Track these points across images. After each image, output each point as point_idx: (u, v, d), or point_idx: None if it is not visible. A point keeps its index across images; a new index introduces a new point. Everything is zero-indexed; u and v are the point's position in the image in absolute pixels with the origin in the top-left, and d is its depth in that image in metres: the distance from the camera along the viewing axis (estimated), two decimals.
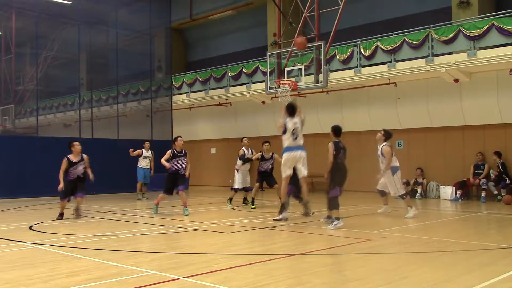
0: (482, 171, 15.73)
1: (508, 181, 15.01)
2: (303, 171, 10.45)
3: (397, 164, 11.17)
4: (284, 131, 10.29)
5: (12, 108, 23.54)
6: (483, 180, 15.33)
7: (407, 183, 16.92)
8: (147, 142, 17.08)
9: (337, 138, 9.73)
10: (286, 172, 10.48)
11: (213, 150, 24.86)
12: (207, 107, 23.50)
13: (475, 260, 6.57)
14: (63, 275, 5.67)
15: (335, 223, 9.42)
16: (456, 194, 15.69)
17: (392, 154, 11.13)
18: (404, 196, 11.16)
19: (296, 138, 10.31)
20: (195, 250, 7.51)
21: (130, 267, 6.11)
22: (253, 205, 13.59)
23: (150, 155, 16.99)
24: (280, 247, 7.76)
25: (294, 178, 10.59)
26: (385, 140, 11.37)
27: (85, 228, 10.05)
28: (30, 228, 9.88)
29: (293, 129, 10.29)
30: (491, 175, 15.39)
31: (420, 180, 16.87)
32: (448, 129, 17.14)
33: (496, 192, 15.10)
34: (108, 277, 5.59)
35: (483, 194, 15.10)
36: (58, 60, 24.16)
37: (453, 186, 16.00)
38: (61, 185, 11.13)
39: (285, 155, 10.38)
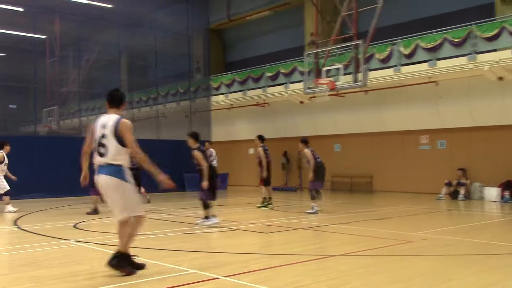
0: None
1: None
2: None
3: None
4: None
5: (56, 110, 24.22)
6: None
7: (449, 184, 16.55)
8: None
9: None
10: None
11: (251, 150, 24.92)
12: (245, 108, 23.58)
13: None
14: (106, 273, 5.80)
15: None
16: (503, 194, 15.23)
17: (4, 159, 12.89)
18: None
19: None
20: (234, 250, 7.56)
21: (170, 266, 6.20)
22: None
23: None
24: (319, 247, 7.71)
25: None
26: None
27: None
28: (75, 226, 10.16)
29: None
30: None
31: (463, 181, 16.44)
32: (492, 128, 16.65)
33: None
34: (148, 275, 5.69)
35: None
36: (99, 62, 24.75)
37: (498, 187, 15.54)
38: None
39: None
